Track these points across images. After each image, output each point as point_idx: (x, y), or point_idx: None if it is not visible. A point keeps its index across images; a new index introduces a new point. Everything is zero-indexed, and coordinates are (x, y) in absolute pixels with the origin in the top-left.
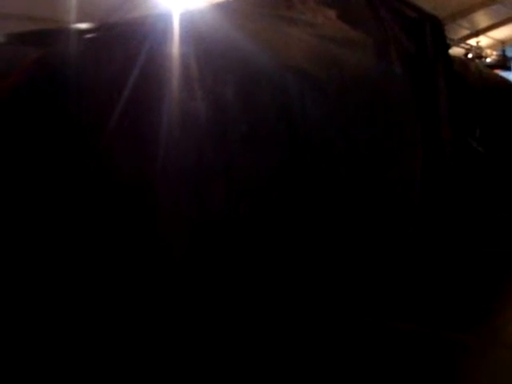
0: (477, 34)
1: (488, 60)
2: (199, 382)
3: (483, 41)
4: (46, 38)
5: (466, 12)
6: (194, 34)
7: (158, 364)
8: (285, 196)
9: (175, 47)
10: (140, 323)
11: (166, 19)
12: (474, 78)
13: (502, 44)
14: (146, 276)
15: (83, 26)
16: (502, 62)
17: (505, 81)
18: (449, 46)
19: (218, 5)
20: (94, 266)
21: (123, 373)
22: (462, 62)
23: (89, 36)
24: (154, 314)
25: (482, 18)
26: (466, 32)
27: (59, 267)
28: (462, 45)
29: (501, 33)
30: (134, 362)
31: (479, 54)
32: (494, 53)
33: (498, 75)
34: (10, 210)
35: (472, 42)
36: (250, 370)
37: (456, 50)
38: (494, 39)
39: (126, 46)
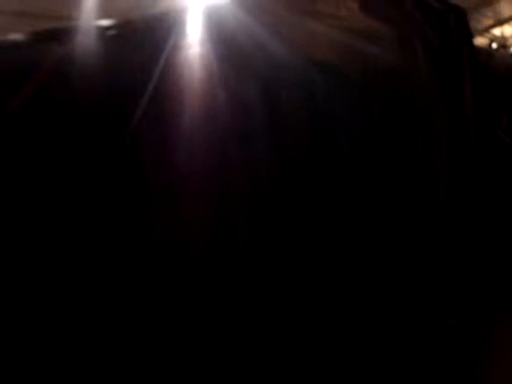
0: (501, 23)
1: None
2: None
3: (508, 30)
4: (69, 36)
5: (489, 1)
6: (216, 30)
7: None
8: (311, 193)
9: (197, 44)
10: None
11: (186, 15)
12: (499, 68)
13: None
14: (166, 270)
15: (105, 22)
16: None
17: None
18: (473, 37)
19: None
20: (119, 259)
21: (124, 372)
22: (487, 52)
23: (111, 33)
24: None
25: (506, 7)
26: (489, 22)
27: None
28: (486, 35)
29: None
30: (136, 361)
31: (504, 43)
32: None
33: None
34: (44, 210)
35: (496, 31)
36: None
37: (480, 40)
38: None
39: (148, 43)
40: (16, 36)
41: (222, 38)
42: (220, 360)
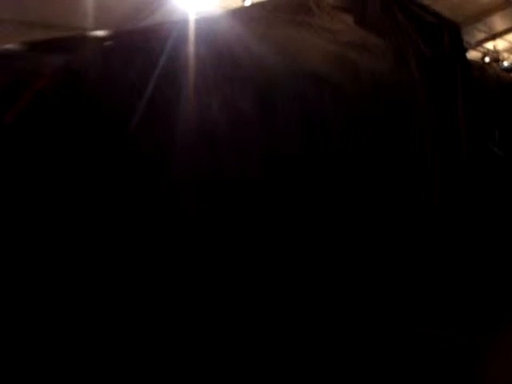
0: (494, 37)
1: (505, 64)
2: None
3: (500, 44)
4: (66, 46)
5: (482, 15)
6: (211, 40)
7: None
8: (307, 201)
9: (192, 54)
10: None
11: (182, 26)
12: (491, 82)
13: None
14: (163, 268)
15: (101, 33)
16: None
17: None
18: (466, 50)
19: (235, 11)
20: (116, 255)
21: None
22: (480, 66)
23: (107, 43)
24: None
25: (498, 22)
26: (482, 36)
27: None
28: (479, 48)
29: None
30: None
31: (496, 57)
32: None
33: None
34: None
35: (489, 45)
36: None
37: (473, 54)
38: (511, 43)
39: (144, 53)
40: (12, 46)
41: (217, 49)
42: (220, 360)
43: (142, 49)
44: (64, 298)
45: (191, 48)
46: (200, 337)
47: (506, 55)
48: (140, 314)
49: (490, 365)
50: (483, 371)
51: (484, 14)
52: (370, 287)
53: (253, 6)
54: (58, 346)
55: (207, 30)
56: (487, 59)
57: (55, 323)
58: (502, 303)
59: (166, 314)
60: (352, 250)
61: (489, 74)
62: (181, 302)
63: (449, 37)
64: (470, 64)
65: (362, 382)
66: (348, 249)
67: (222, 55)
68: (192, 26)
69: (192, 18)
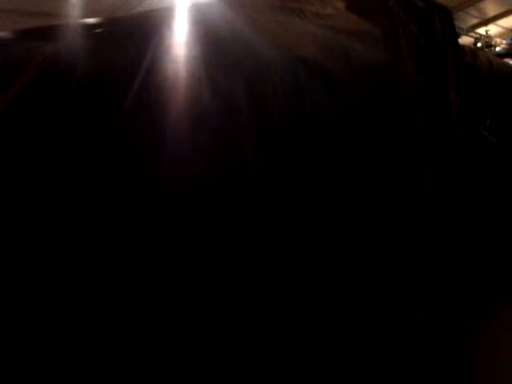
0: (486, 22)
1: (497, 49)
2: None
3: (492, 29)
4: (55, 34)
5: (474, 1)
6: (202, 27)
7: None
8: (301, 190)
9: (184, 42)
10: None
11: (173, 13)
12: (483, 67)
13: None
14: (158, 263)
15: (91, 20)
16: None
17: None
18: (458, 36)
19: None
20: (110, 251)
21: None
22: (472, 51)
23: (98, 30)
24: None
25: (490, 7)
26: (474, 21)
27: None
28: (471, 34)
29: (510, 21)
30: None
31: (488, 42)
32: (504, 42)
33: (507, 64)
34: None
35: (481, 30)
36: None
37: (465, 39)
38: (504, 28)
39: (134, 40)
40: (2, 34)
41: (208, 35)
42: (221, 357)
43: (133, 36)
44: (55, 297)
45: (182, 35)
46: (199, 336)
47: (498, 40)
48: (137, 314)
49: (488, 349)
50: (481, 355)
51: None
52: (367, 274)
53: None
54: (58, 346)
55: (198, 16)
56: (479, 44)
57: (54, 323)
58: (499, 288)
59: (163, 314)
60: (349, 235)
61: (481, 60)
62: (179, 301)
63: (441, 22)
64: (462, 49)
65: (363, 368)
66: (345, 235)
67: (214, 42)
68: (183, 13)
69: (183, 4)
